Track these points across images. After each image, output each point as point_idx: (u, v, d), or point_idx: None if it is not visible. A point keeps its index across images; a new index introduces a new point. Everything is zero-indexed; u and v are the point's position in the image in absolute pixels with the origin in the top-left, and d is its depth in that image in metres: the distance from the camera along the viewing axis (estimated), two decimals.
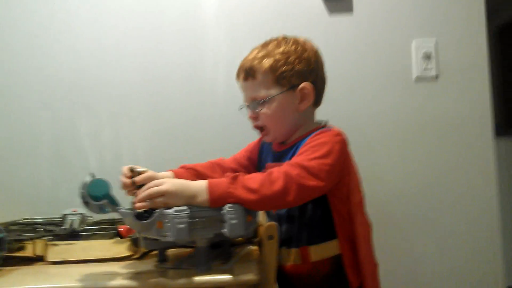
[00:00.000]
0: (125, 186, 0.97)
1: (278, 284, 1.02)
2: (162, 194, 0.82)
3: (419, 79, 1.53)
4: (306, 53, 1.05)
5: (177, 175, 1.07)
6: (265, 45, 1.07)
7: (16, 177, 1.51)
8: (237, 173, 0.87)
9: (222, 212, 0.82)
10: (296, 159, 0.93)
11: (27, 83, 1.53)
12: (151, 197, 0.82)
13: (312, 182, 0.88)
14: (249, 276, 0.81)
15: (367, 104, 1.53)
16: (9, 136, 1.52)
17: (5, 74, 1.53)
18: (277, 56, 1.03)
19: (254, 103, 1.05)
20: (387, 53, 1.53)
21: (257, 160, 1.22)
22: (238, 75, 1.09)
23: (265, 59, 1.03)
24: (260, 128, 1.09)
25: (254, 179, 0.86)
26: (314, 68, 1.06)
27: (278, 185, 0.85)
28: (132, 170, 0.96)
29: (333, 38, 1.52)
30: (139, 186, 0.90)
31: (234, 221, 0.81)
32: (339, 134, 1.00)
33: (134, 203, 0.84)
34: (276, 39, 1.07)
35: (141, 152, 1.52)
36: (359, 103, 1.53)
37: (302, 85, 1.03)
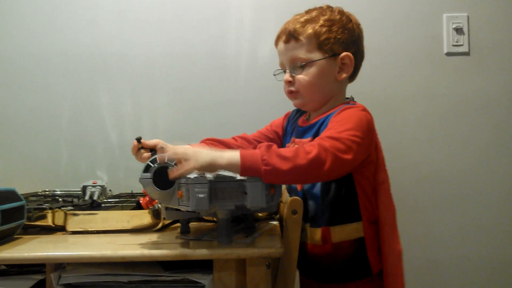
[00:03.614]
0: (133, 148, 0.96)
1: (298, 261, 0.99)
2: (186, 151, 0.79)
3: (450, 54, 1.48)
4: (351, 24, 1.04)
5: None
6: (309, 11, 1.05)
7: (36, 149, 1.51)
8: (271, 143, 0.84)
9: (244, 183, 0.78)
10: (325, 133, 0.90)
11: (48, 56, 1.51)
12: (177, 156, 0.80)
13: (345, 154, 0.85)
14: (273, 250, 0.79)
15: (396, 78, 1.49)
16: (29, 109, 1.52)
17: (26, 48, 1.51)
18: (322, 22, 1.01)
19: (293, 66, 1.02)
20: (417, 27, 1.49)
21: (282, 136, 1.19)
22: (278, 38, 1.06)
23: (309, 24, 1.01)
24: (292, 92, 1.05)
25: (287, 149, 0.83)
26: (356, 40, 1.04)
27: (312, 155, 0.81)
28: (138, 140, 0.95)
29: (362, 11, 1.46)
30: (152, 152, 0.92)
31: (256, 193, 0.77)
32: (364, 109, 0.99)
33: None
34: (321, 7, 1.06)
35: (161, 127, 1.50)
36: (387, 77, 1.49)
37: (343, 54, 1.01)
